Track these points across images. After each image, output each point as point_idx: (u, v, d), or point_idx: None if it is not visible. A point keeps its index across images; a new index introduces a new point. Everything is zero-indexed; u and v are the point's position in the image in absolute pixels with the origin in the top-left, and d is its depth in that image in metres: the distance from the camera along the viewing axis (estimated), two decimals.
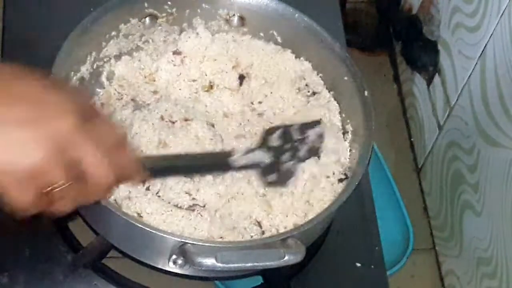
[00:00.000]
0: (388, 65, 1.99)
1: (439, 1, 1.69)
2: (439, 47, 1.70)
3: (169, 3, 1.02)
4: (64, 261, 0.94)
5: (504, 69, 1.39)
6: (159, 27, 1.03)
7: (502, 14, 1.40)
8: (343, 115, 1.01)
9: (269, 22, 1.04)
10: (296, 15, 1.02)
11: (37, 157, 0.63)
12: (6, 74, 0.66)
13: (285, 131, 0.95)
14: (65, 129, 0.64)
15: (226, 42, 1.04)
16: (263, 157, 0.92)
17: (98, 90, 1.00)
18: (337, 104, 1.01)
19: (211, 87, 1.03)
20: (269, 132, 0.95)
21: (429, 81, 1.75)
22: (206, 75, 1.03)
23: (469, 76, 1.54)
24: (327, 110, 1.00)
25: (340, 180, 0.96)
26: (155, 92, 1.01)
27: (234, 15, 1.04)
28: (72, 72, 0.96)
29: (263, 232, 0.91)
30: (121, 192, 0.89)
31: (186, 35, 1.03)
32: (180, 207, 0.90)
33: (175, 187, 0.90)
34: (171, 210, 0.89)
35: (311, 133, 0.96)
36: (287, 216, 0.92)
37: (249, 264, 0.82)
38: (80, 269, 0.93)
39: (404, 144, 1.87)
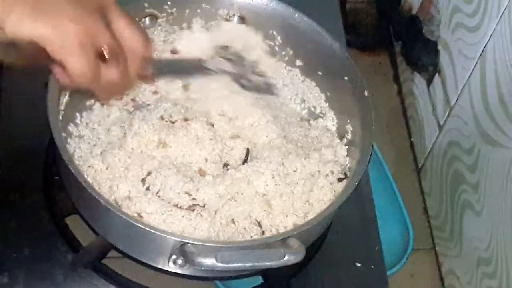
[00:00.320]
0: (388, 65, 1.99)
1: (439, 1, 1.69)
2: (439, 47, 1.70)
3: (169, 3, 1.02)
4: (64, 261, 0.94)
5: (504, 69, 1.39)
6: (159, 27, 1.03)
7: (502, 14, 1.40)
8: (343, 115, 1.01)
9: (269, 22, 1.04)
10: (296, 15, 1.02)
11: (88, 22, 0.76)
12: None
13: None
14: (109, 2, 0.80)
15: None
16: (232, 67, 0.99)
17: None
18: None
19: None
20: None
21: (429, 81, 1.75)
22: None
23: (469, 76, 1.54)
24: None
25: (340, 180, 0.96)
26: (155, 93, 1.01)
27: (234, 15, 1.04)
28: None
29: (263, 232, 0.91)
30: (121, 192, 0.89)
31: (183, 34, 1.03)
32: (180, 207, 0.90)
33: (175, 187, 0.90)
34: (171, 210, 0.89)
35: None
36: (287, 216, 0.92)
37: (249, 264, 0.82)
38: (80, 269, 0.93)
39: (404, 144, 1.87)
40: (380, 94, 1.90)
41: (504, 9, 1.39)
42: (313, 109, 1.05)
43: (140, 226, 0.82)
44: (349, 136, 1.00)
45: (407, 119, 1.89)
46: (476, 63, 1.50)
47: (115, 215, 0.82)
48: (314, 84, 1.05)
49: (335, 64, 1.01)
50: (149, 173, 0.91)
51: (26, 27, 0.73)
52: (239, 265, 0.82)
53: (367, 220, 1.04)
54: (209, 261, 0.80)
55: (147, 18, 1.02)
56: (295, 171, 0.95)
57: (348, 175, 0.96)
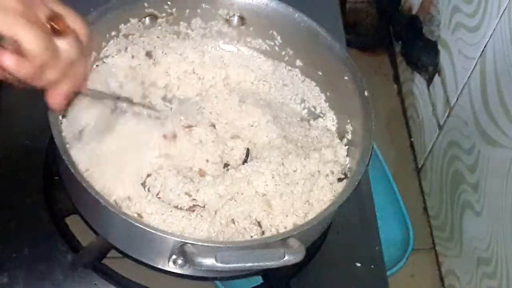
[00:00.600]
0: (388, 65, 1.99)
1: (439, 1, 1.69)
2: (439, 47, 1.70)
3: (169, 3, 1.02)
4: (64, 261, 0.94)
5: (504, 69, 1.39)
6: (159, 27, 1.03)
7: (502, 14, 1.40)
8: (343, 115, 1.01)
9: (269, 22, 1.04)
10: (296, 15, 1.02)
11: None
12: None
13: None
14: None
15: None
16: None
17: None
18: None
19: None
20: None
21: (429, 81, 1.75)
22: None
23: (469, 76, 1.54)
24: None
25: (340, 180, 0.96)
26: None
27: (234, 15, 1.04)
28: None
29: (263, 232, 0.91)
30: (121, 193, 0.89)
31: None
32: (180, 208, 0.90)
33: (175, 188, 0.90)
34: (171, 211, 0.89)
35: None
36: (287, 216, 0.92)
37: (249, 264, 0.82)
38: (80, 269, 0.93)
39: (404, 144, 1.87)
40: (380, 94, 1.90)
41: (504, 9, 1.39)
42: (313, 109, 1.05)
43: (140, 226, 0.82)
44: (349, 136, 1.00)
45: (407, 119, 1.89)
46: (476, 63, 1.50)
47: (115, 215, 0.82)
48: (314, 84, 1.05)
49: (335, 64, 1.01)
50: (149, 175, 0.92)
51: None
52: (239, 265, 0.82)
53: (367, 220, 1.04)
54: (209, 261, 0.80)
55: (147, 18, 1.02)
56: (295, 171, 0.95)
57: (348, 175, 0.96)
